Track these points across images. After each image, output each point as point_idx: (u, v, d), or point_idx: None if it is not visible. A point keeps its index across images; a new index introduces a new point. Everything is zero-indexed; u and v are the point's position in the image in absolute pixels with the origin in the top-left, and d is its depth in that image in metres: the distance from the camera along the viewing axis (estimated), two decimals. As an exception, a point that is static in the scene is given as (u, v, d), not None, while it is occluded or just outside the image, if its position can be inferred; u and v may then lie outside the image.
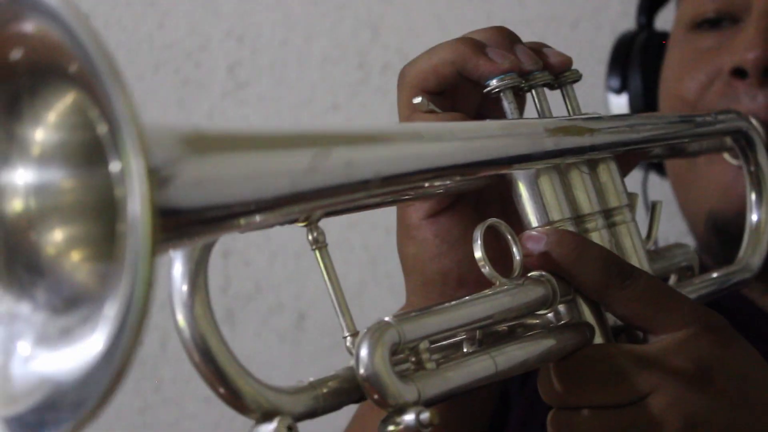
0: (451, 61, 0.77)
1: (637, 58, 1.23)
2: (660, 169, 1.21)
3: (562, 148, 0.73)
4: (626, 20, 1.43)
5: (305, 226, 0.65)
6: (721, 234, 1.07)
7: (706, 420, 0.72)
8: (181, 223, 0.48)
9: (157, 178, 0.46)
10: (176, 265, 0.58)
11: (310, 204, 0.57)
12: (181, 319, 0.59)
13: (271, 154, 0.54)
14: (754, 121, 0.95)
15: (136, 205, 0.43)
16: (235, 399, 0.59)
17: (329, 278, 0.65)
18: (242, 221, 0.53)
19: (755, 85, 1.05)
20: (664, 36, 1.21)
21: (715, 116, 0.88)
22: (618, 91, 1.23)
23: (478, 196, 0.81)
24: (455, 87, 0.78)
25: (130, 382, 1.48)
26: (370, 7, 1.56)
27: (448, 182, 0.68)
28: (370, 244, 1.55)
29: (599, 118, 0.77)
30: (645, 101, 1.21)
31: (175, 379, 1.60)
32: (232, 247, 1.61)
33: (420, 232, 0.80)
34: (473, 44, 0.78)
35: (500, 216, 0.75)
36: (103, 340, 0.46)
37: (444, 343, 0.70)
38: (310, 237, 0.65)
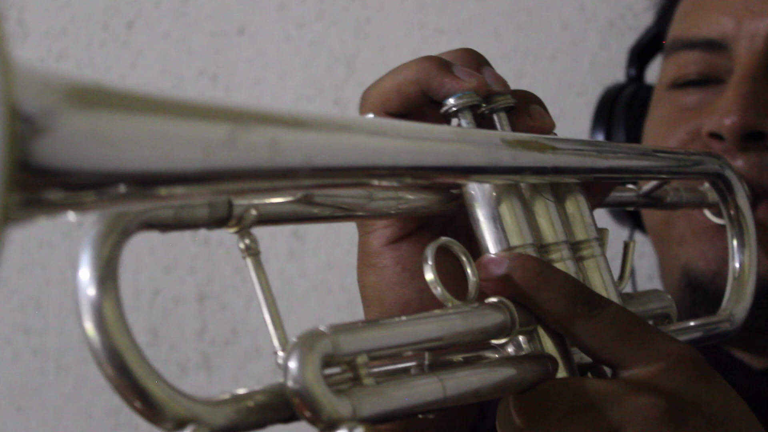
0: (415, 80, 0.73)
1: (622, 113, 1.19)
2: (644, 228, 1.17)
3: (520, 165, 0.68)
4: (605, 52, 1.42)
5: (236, 232, 0.61)
6: (696, 292, 1.03)
7: None
8: (52, 184, 0.43)
9: (29, 126, 0.41)
10: (82, 267, 0.53)
11: (227, 185, 0.51)
12: (89, 326, 0.53)
13: (183, 121, 0.49)
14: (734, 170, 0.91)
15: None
16: (149, 408, 0.53)
17: (262, 288, 0.60)
18: (139, 193, 0.47)
19: (733, 149, 1.02)
20: (652, 90, 1.17)
21: (690, 155, 0.84)
22: None
23: (445, 224, 0.77)
24: (420, 108, 0.74)
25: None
26: (345, 42, 1.54)
27: (390, 184, 0.63)
28: (348, 286, 1.51)
29: (563, 139, 0.73)
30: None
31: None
32: (208, 291, 1.57)
33: (380, 260, 0.76)
34: (438, 62, 0.74)
35: (467, 247, 0.70)
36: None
37: (391, 367, 0.65)
38: (241, 244, 0.61)
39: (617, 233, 1.25)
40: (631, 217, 1.20)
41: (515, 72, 1.26)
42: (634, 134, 1.17)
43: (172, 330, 1.59)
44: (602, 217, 1.27)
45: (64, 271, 1.65)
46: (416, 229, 0.76)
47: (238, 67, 1.59)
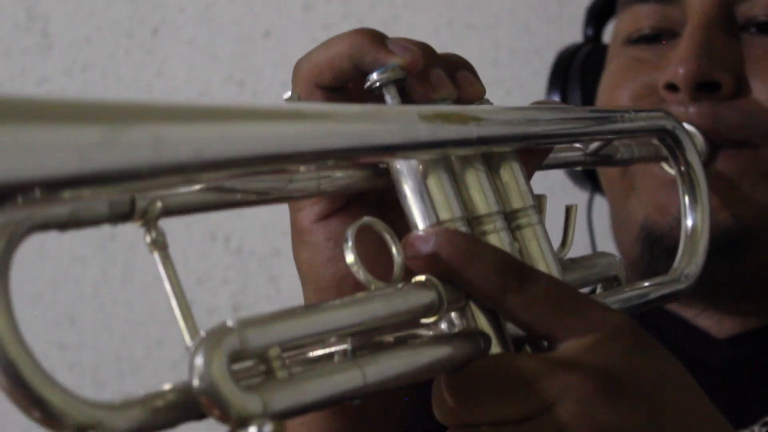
0: (348, 54, 0.71)
1: (577, 73, 1.17)
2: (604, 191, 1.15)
3: (441, 139, 0.66)
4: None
5: (142, 225, 0.59)
6: (654, 246, 1.01)
7: None
8: None
9: None
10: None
11: (111, 186, 0.50)
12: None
13: (53, 126, 0.47)
14: (686, 125, 0.89)
15: None
16: (48, 417, 0.52)
17: (170, 282, 0.59)
18: (20, 201, 0.46)
19: (687, 99, 1.00)
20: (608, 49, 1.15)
21: (633, 113, 0.81)
22: None
23: (378, 199, 0.75)
24: (353, 82, 0.72)
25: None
26: None
27: (299, 168, 0.61)
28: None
29: (489, 108, 0.70)
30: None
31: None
32: (242, 301, 1.57)
33: (312, 236, 0.75)
34: (372, 35, 0.71)
35: (400, 221, 0.68)
36: None
37: (313, 354, 0.63)
38: (148, 238, 0.59)
39: (578, 196, 1.24)
40: (590, 178, 1.18)
41: (547, 66, 1.23)
42: (589, 94, 1.14)
43: None
44: (561, 179, 1.25)
45: (98, 286, 1.64)
46: (346, 203, 0.74)
47: (265, 71, 1.58)
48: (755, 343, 1.04)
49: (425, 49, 0.73)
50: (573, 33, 1.32)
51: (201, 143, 0.53)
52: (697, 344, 1.05)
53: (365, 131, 0.61)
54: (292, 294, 1.63)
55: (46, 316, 1.65)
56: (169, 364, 1.62)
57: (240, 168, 0.55)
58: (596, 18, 1.22)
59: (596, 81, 1.12)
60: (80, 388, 1.66)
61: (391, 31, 1.48)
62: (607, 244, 1.12)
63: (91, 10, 1.63)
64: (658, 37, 1.06)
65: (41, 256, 1.62)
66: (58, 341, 1.65)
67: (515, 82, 1.49)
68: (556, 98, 1.18)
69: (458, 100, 0.72)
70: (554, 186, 1.27)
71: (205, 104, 0.54)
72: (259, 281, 1.59)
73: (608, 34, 1.22)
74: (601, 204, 1.19)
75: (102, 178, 0.49)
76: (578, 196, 1.22)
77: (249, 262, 1.59)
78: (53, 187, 0.47)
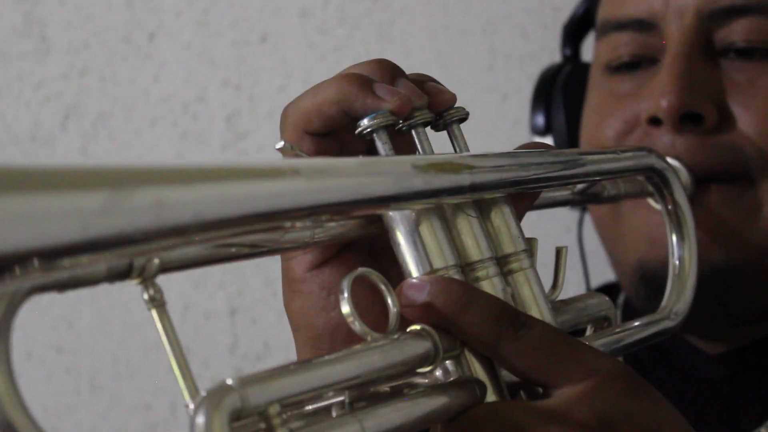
0: (336, 101, 0.71)
1: (560, 94, 1.17)
2: None
3: (435, 188, 0.66)
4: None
5: (140, 283, 0.59)
6: (650, 284, 1.01)
7: None
8: None
9: None
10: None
11: (111, 251, 0.50)
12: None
13: (55, 194, 0.47)
14: (671, 161, 0.89)
15: None
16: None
17: (168, 340, 0.59)
18: (18, 272, 0.46)
19: (671, 132, 1.00)
20: (588, 68, 1.15)
21: (620, 153, 0.82)
22: (543, 132, 1.18)
23: (370, 245, 0.75)
24: (342, 128, 0.72)
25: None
26: (369, 47, 1.53)
27: (296, 224, 0.61)
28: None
29: (480, 155, 0.71)
30: (570, 142, 1.15)
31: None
32: (239, 305, 1.56)
33: (305, 286, 0.74)
34: (359, 81, 0.71)
35: (393, 269, 0.69)
36: None
37: (313, 406, 0.63)
38: (145, 295, 0.59)
39: (569, 217, 1.24)
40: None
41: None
42: (573, 115, 1.15)
43: (203, 345, 1.58)
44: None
45: (95, 289, 1.63)
46: (338, 252, 0.74)
47: (261, 76, 1.58)
48: (746, 358, 1.05)
49: (387, 65, 0.74)
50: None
51: (201, 205, 0.53)
52: (691, 360, 1.06)
53: (360, 185, 0.62)
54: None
55: (44, 319, 1.64)
56: (165, 368, 1.61)
57: (239, 226, 0.56)
58: (572, 36, 1.23)
59: (579, 101, 1.12)
60: (77, 392, 1.65)
61: (387, 36, 1.48)
62: (598, 261, 1.12)
63: (89, 15, 1.63)
64: (637, 64, 1.06)
65: None
66: (56, 345, 1.64)
67: (510, 86, 1.49)
68: (540, 119, 1.18)
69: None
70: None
71: (203, 165, 0.54)
72: (255, 285, 1.59)
73: (586, 50, 1.23)
74: (590, 224, 1.19)
75: (103, 243, 0.49)
76: (568, 216, 1.23)
77: (245, 266, 1.59)
78: (54, 255, 0.47)
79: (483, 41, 1.51)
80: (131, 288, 1.79)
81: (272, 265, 1.58)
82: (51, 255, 0.47)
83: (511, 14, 1.51)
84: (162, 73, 1.61)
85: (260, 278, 1.59)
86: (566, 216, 1.23)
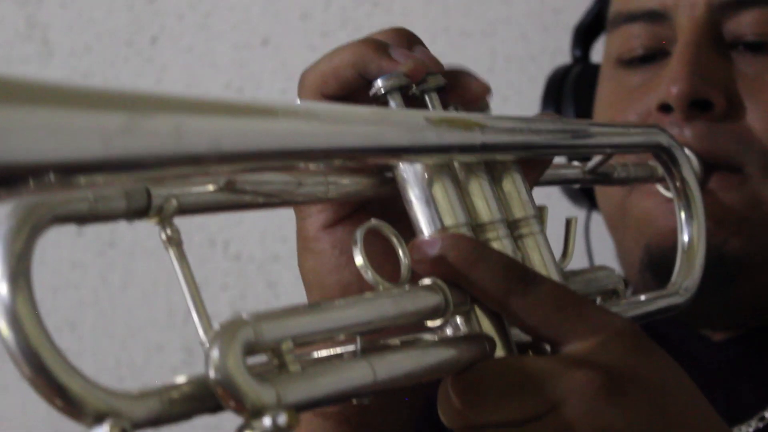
0: (352, 63, 0.72)
1: (570, 94, 1.19)
2: None
3: (447, 144, 0.67)
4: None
5: (158, 223, 0.60)
6: (656, 270, 1.02)
7: None
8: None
9: None
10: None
11: (129, 174, 0.51)
12: (2, 325, 0.53)
13: (78, 111, 0.48)
14: (686, 152, 0.90)
15: None
16: (68, 404, 0.53)
17: (185, 279, 0.60)
18: (35, 183, 0.47)
19: (681, 119, 1.01)
20: (597, 69, 1.16)
21: (631, 128, 0.83)
22: None
23: (383, 208, 0.76)
24: (358, 91, 0.73)
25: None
26: None
27: (309, 167, 0.63)
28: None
29: (493, 116, 0.72)
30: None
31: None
32: (242, 307, 1.57)
33: (318, 244, 0.76)
34: (375, 45, 0.73)
35: (407, 231, 0.70)
36: None
37: (324, 353, 0.64)
38: (163, 235, 0.60)
39: (575, 214, 1.25)
40: (587, 197, 1.20)
41: (544, 74, 1.25)
42: (583, 116, 1.16)
43: None
44: (558, 197, 1.26)
45: (98, 292, 1.64)
46: (352, 212, 0.75)
47: (263, 79, 1.59)
48: (749, 344, 1.06)
49: (405, 32, 0.76)
50: (569, 40, 1.34)
51: (219, 135, 0.54)
52: (694, 345, 1.06)
53: (374, 133, 0.63)
54: (291, 300, 1.63)
55: (47, 322, 1.64)
56: (169, 370, 1.62)
57: (254, 162, 0.57)
58: (583, 38, 1.24)
59: (588, 102, 1.13)
60: None
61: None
62: (604, 260, 1.13)
63: (91, 19, 1.64)
64: (649, 57, 1.07)
65: (41, 263, 1.62)
66: (59, 347, 1.65)
67: (511, 89, 1.50)
68: None
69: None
70: (552, 205, 1.29)
71: (223, 99, 0.56)
72: (257, 287, 1.59)
73: (596, 53, 1.24)
74: (598, 221, 1.20)
75: (121, 164, 0.50)
76: (576, 214, 1.24)
77: (248, 268, 1.59)
78: (75, 170, 0.48)
79: (483, 44, 1.52)
80: (133, 288, 1.80)
81: (274, 267, 1.59)
82: (70, 170, 0.48)
83: (511, 17, 1.52)
84: (164, 77, 1.62)
85: (262, 280, 1.59)
86: (573, 215, 1.23)
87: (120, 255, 1.64)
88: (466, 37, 1.52)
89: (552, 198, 1.27)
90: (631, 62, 1.08)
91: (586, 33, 1.24)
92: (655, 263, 1.03)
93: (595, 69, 1.17)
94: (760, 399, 1.02)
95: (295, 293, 0.78)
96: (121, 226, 1.63)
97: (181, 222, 0.61)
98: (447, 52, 1.56)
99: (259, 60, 1.59)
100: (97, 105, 0.49)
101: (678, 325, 1.07)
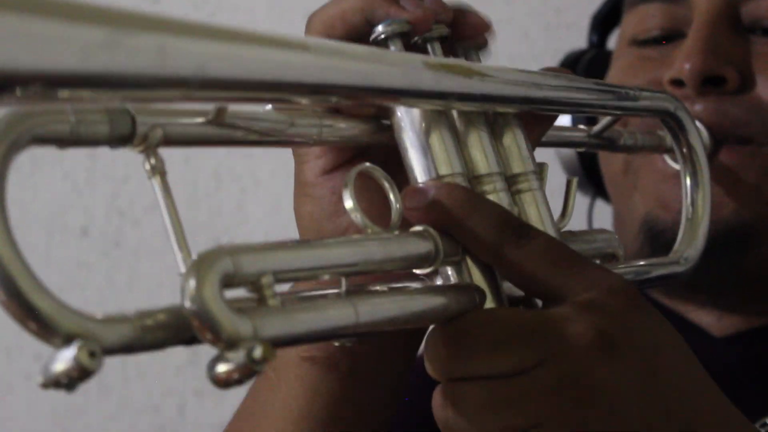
0: (360, 9, 0.71)
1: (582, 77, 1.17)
2: (607, 195, 1.14)
3: (444, 90, 0.66)
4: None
5: (142, 151, 0.59)
6: (655, 242, 1.01)
7: (607, 391, 0.64)
8: None
9: None
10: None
11: (110, 91, 0.50)
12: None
13: (53, 20, 0.47)
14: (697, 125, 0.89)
15: None
16: (39, 325, 0.52)
17: (167, 208, 0.58)
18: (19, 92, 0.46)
19: (692, 94, 1.00)
20: (612, 55, 1.15)
21: (638, 91, 0.81)
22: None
23: (384, 160, 0.75)
24: (364, 37, 0.72)
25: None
26: None
27: (294, 99, 0.61)
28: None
29: (495, 67, 0.71)
30: (589, 123, 1.15)
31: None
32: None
33: (316, 190, 0.75)
34: None
35: (408, 181, 0.68)
36: None
37: (307, 293, 0.63)
38: (147, 165, 0.59)
39: (579, 201, 1.24)
40: (593, 183, 1.17)
41: None
42: None
43: (208, 350, 1.57)
44: (562, 184, 1.25)
45: (103, 291, 1.64)
46: (351, 158, 0.74)
47: None
48: (754, 342, 1.04)
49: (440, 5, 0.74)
50: (571, 40, 1.32)
51: (204, 59, 0.53)
52: (695, 342, 1.04)
53: (369, 71, 0.62)
54: None
55: None
56: (173, 370, 1.61)
57: (242, 91, 0.56)
58: (601, 25, 1.23)
59: None
60: (86, 393, 1.64)
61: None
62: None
63: None
64: (664, 38, 1.06)
65: (47, 263, 1.62)
66: None
67: (513, 88, 1.49)
68: None
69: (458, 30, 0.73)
70: (555, 191, 1.29)
71: (211, 24, 0.54)
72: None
73: (612, 43, 1.22)
74: (601, 209, 1.19)
75: (103, 80, 0.49)
76: (579, 200, 1.22)
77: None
78: (53, 82, 0.47)
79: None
80: (136, 290, 1.79)
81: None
82: (50, 81, 0.47)
83: (513, 16, 1.50)
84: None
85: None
86: (577, 202, 1.22)
87: (125, 255, 1.64)
88: None
89: (554, 184, 1.26)
90: (645, 42, 1.07)
91: (603, 20, 1.22)
92: (655, 234, 1.01)
93: (609, 55, 1.15)
94: (764, 403, 1.00)
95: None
96: (127, 226, 1.63)
97: (184, 222, 0.59)
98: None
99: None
100: (77, 17, 0.48)
101: (676, 318, 1.05)
